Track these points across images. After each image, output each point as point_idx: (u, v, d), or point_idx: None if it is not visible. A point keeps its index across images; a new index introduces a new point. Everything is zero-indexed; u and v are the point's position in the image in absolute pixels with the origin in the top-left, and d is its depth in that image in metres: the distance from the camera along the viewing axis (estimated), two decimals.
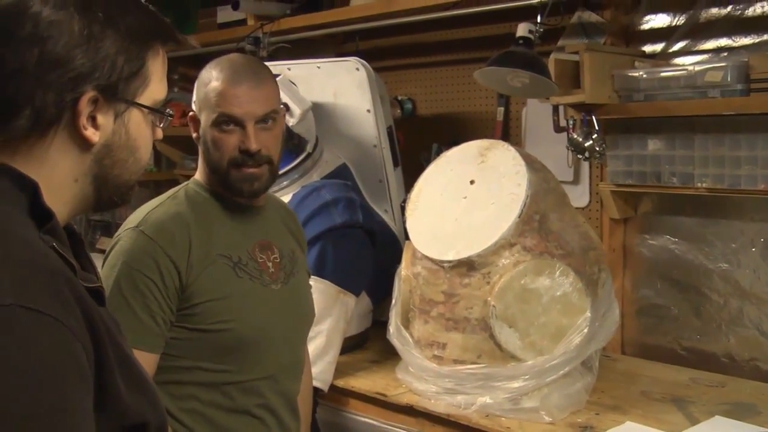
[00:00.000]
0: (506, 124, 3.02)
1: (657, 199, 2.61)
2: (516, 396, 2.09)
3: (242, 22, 3.43)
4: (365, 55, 2.88)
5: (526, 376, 2.08)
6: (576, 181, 2.78)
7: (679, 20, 2.51)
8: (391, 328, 2.33)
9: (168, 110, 1.17)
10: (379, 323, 2.69)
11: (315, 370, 2.28)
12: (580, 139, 2.48)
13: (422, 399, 2.22)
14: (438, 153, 2.70)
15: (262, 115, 1.80)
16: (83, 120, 1.04)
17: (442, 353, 2.20)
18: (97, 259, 1.23)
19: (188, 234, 1.75)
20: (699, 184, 2.36)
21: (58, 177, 1.05)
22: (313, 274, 2.33)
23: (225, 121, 1.78)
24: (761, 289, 2.39)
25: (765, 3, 2.33)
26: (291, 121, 2.55)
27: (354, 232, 2.58)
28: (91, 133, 1.05)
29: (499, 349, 2.11)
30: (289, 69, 2.85)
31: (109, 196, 1.12)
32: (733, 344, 2.46)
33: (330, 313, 2.44)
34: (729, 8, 2.40)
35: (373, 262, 2.64)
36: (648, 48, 2.59)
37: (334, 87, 2.80)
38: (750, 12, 2.36)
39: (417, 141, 3.18)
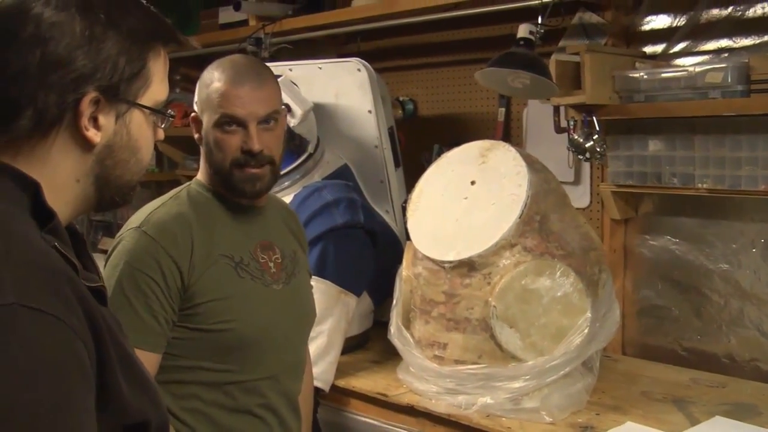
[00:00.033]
0: (507, 125, 3.02)
1: (658, 200, 2.62)
2: (517, 396, 2.09)
3: (244, 23, 3.43)
4: (367, 56, 2.89)
5: (527, 377, 2.08)
6: (577, 181, 2.78)
7: (680, 21, 2.51)
8: (392, 329, 2.34)
9: (169, 111, 1.17)
10: (380, 323, 2.69)
11: (316, 370, 2.28)
12: (581, 140, 2.48)
13: (423, 399, 2.23)
14: (439, 154, 2.71)
15: (264, 116, 1.81)
16: (85, 121, 1.04)
17: (442, 353, 2.20)
18: (99, 260, 1.23)
19: (190, 234, 1.75)
20: (699, 185, 2.36)
21: (60, 177, 1.06)
22: (315, 275, 2.33)
23: (227, 121, 1.79)
24: (762, 289, 2.39)
25: (765, 4, 2.33)
26: (292, 122, 2.56)
27: (355, 232, 2.58)
28: (92, 133, 1.05)
29: (499, 349, 2.11)
30: (290, 70, 2.85)
31: (110, 197, 1.13)
32: (733, 345, 2.47)
33: (331, 313, 2.44)
34: (729, 9, 2.40)
35: (375, 263, 2.64)
36: (649, 49, 2.59)
37: (336, 88, 2.81)
38: (750, 13, 2.37)
39: (418, 141, 3.18)
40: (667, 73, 2.33)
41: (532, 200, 2.15)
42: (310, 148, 2.69)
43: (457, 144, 2.42)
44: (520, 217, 2.12)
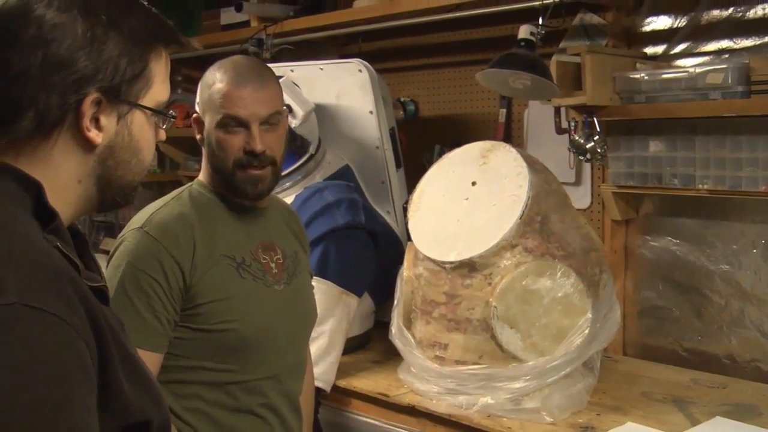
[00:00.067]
0: (508, 126, 3.03)
1: (658, 201, 2.62)
2: (517, 396, 2.09)
3: (245, 24, 3.44)
4: (368, 57, 2.89)
5: (528, 377, 2.09)
6: (578, 182, 2.78)
7: (681, 22, 2.52)
8: (393, 329, 2.34)
9: (171, 111, 1.18)
10: (381, 324, 2.69)
11: (317, 370, 2.29)
12: (582, 141, 2.49)
13: (424, 399, 2.23)
14: (440, 154, 2.71)
15: (267, 117, 1.81)
16: (86, 121, 1.05)
17: (443, 354, 2.20)
18: (100, 260, 1.24)
19: (192, 235, 1.76)
20: (700, 186, 2.36)
21: (62, 178, 1.07)
22: (316, 275, 2.33)
23: (230, 122, 1.79)
24: (762, 290, 2.39)
25: (766, 5, 2.33)
26: (294, 123, 2.56)
27: (356, 233, 2.58)
28: (94, 134, 1.06)
29: (500, 349, 2.12)
30: (292, 71, 2.86)
31: (112, 197, 1.14)
32: (734, 345, 2.47)
33: (332, 313, 2.45)
34: (730, 10, 2.40)
35: (376, 263, 2.64)
36: (649, 50, 2.59)
37: (337, 88, 2.81)
38: (751, 14, 2.37)
39: (419, 142, 3.19)
40: (667, 74, 2.34)
41: (533, 201, 2.15)
42: (312, 149, 2.70)
43: (458, 145, 2.43)
44: (520, 218, 2.13)
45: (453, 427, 2.15)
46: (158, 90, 1.12)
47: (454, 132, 3.13)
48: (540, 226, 2.16)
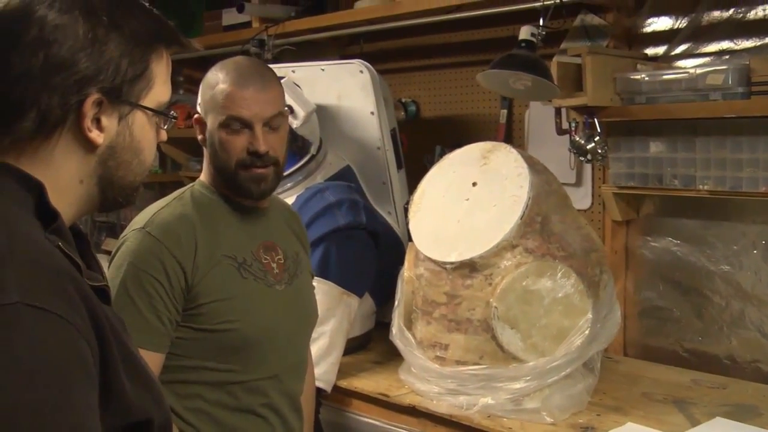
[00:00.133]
0: (509, 127, 3.03)
1: (659, 201, 2.62)
2: (518, 397, 2.10)
3: (247, 25, 3.44)
4: (369, 58, 2.90)
5: (528, 377, 2.09)
6: (578, 183, 2.78)
7: (681, 23, 2.52)
8: (394, 329, 2.34)
9: (172, 112, 1.18)
10: (382, 324, 2.70)
11: (318, 370, 2.29)
12: (582, 142, 2.49)
13: (424, 400, 2.23)
14: (441, 155, 2.72)
15: (270, 117, 1.82)
16: (88, 122, 1.05)
17: (444, 354, 2.21)
18: (102, 260, 1.24)
19: (194, 235, 1.76)
20: (701, 187, 2.37)
21: (64, 178, 1.07)
22: (317, 275, 2.34)
23: (233, 123, 1.80)
24: (762, 290, 2.40)
25: (766, 6, 2.34)
26: (295, 123, 2.57)
27: (357, 233, 2.59)
28: (95, 135, 1.06)
29: (501, 350, 2.12)
30: (293, 71, 2.86)
31: (114, 197, 1.14)
32: (734, 346, 2.47)
33: (333, 314, 2.45)
34: (731, 11, 2.41)
35: (377, 264, 2.65)
36: (650, 51, 2.60)
37: (338, 89, 2.82)
38: (752, 15, 2.37)
39: (420, 143, 3.19)
40: (668, 75, 2.34)
41: (534, 202, 2.15)
42: (313, 150, 2.70)
43: (459, 145, 2.43)
44: (521, 219, 2.13)
45: (453, 428, 2.15)
46: (159, 90, 1.13)
47: (455, 133, 3.14)
48: (540, 226, 2.16)
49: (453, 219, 2.25)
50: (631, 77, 2.40)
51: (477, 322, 2.14)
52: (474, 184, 2.27)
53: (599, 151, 2.48)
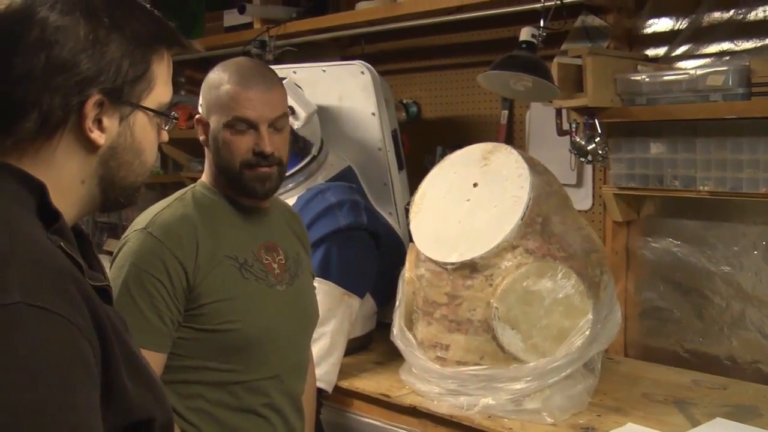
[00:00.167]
0: (510, 128, 3.03)
1: (659, 202, 2.63)
2: (518, 397, 2.10)
3: (248, 26, 3.45)
4: (370, 59, 2.90)
5: (529, 378, 2.09)
6: (579, 184, 2.79)
7: (682, 24, 2.52)
8: (395, 330, 2.35)
9: (173, 113, 1.19)
10: (383, 325, 2.70)
11: (319, 371, 2.29)
12: (583, 143, 2.49)
13: (425, 400, 2.24)
14: (442, 156, 2.71)
15: (275, 118, 1.83)
16: (89, 123, 1.06)
17: (445, 355, 2.21)
18: (104, 261, 1.25)
19: (195, 235, 1.77)
20: (701, 188, 2.37)
21: (65, 179, 1.08)
22: (318, 276, 2.34)
23: (238, 123, 1.81)
24: (763, 291, 2.40)
25: (767, 7, 2.34)
26: (296, 124, 2.57)
27: (358, 234, 2.59)
28: (96, 135, 1.07)
29: (501, 350, 2.12)
30: (294, 72, 2.87)
31: (115, 197, 1.15)
32: (735, 347, 2.47)
33: (334, 314, 2.46)
34: (731, 12, 2.41)
35: (378, 264, 2.65)
36: (651, 52, 2.60)
37: (340, 90, 2.82)
38: (752, 16, 2.38)
39: (421, 144, 3.20)
40: (668, 76, 2.34)
41: (534, 202, 2.16)
42: (314, 151, 2.71)
43: (460, 146, 2.43)
44: (521, 219, 2.13)
45: (454, 428, 2.15)
46: (160, 91, 1.13)
47: (456, 134, 3.14)
48: (541, 227, 2.16)
49: (454, 220, 2.25)
50: (632, 78, 2.41)
51: (478, 322, 2.14)
52: (475, 184, 2.27)
53: (600, 152, 2.48)
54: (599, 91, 2.40)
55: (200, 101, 1.89)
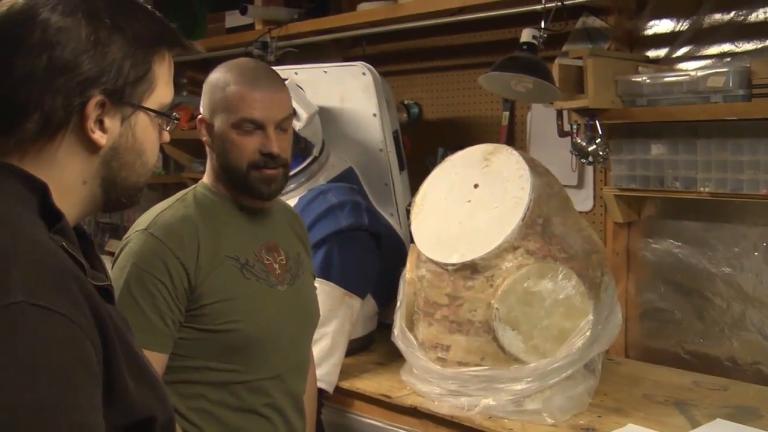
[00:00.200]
0: (511, 129, 3.04)
1: (660, 204, 2.63)
2: (519, 398, 2.10)
3: (250, 27, 3.46)
4: (372, 60, 2.90)
5: (529, 379, 2.09)
6: (580, 185, 2.79)
7: (683, 26, 2.53)
8: (396, 331, 2.35)
9: (174, 114, 1.19)
10: (384, 326, 2.70)
11: (320, 371, 2.30)
12: (584, 144, 2.50)
13: (426, 400, 2.24)
14: (443, 157, 2.72)
15: (281, 119, 1.84)
16: (91, 123, 1.06)
17: (445, 355, 2.21)
18: (106, 262, 1.25)
19: (197, 236, 1.77)
20: (702, 189, 2.37)
21: (67, 179, 1.08)
22: (319, 277, 2.34)
23: (246, 124, 1.81)
24: (764, 292, 2.40)
25: (767, 9, 2.34)
26: (298, 125, 2.57)
27: (360, 235, 2.59)
28: (98, 136, 1.07)
29: (502, 351, 2.12)
30: (296, 73, 2.87)
31: (117, 198, 1.15)
32: (735, 348, 2.47)
33: (335, 315, 2.46)
34: (732, 14, 2.41)
35: (379, 265, 2.65)
36: (651, 53, 2.60)
37: (341, 91, 2.82)
38: (753, 18, 2.38)
39: (422, 145, 3.20)
40: (669, 78, 2.35)
41: (535, 203, 2.16)
42: (315, 152, 2.71)
43: (461, 147, 2.44)
44: (522, 220, 2.14)
45: (455, 429, 2.15)
46: (162, 92, 1.14)
47: (457, 135, 3.14)
48: (542, 228, 2.16)
49: (455, 220, 2.25)
50: (633, 80, 2.41)
51: (478, 323, 2.14)
52: (476, 185, 2.28)
53: (600, 153, 2.49)
54: (600, 93, 2.40)
55: (203, 102, 1.88)
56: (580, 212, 2.51)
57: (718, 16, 2.45)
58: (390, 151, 2.82)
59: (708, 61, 2.45)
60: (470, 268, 2.15)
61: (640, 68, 2.48)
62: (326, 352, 2.39)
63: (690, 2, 2.50)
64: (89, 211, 1.14)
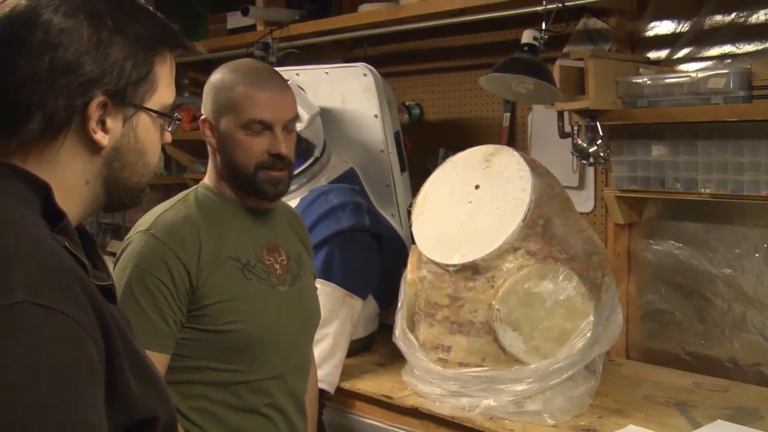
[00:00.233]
0: (512, 130, 3.04)
1: (661, 205, 2.63)
2: (520, 399, 2.10)
3: (252, 28, 3.46)
4: (373, 61, 2.90)
5: (530, 380, 2.10)
6: (581, 186, 2.79)
7: (684, 27, 2.53)
8: (397, 331, 2.35)
9: (176, 114, 1.19)
10: (385, 326, 2.71)
11: (321, 372, 2.30)
12: (585, 145, 2.50)
13: (427, 401, 2.24)
14: (444, 158, 2.72)
15: (289, 120, 1.85)
16: (93, 124, 1.06)
17: (446, 356, 2.22)
18: (107, 262, 1.25)
19: (198, 237, 1.77)
20: (702, 190, 2.37)
21: (70, 179, 1.08)
22: (321, 278, 2.35)
23: (254, 125, 1.81)
24: (764, 294, 2.40)
25: None
26: (299, 126, 2.57)
27: (361, 235, 2.60)
28: (100, 136, 1.08)
29: (503, 352, 2.13)
30: (297, 74, 2.88)
31: (119, 198, 1.15)
32: (736, 349, 2.48)
33: (337, 316, 2.46)
34: (733, 15, 2.41)
35: (380, 266, 2.66)
36: (652, 54, 2.60)
37: (342, 92, 2.83)
38: (753, 19, 2.38)
39: (424, 146, 3.20)
40: (670, 79, 2.35)
41: (536, 204, 2.16)
42: (317, 152, 2.71)
43: (462, 148, 2.44)
44: (523, 221, 2.14)
45: (456, 429, 2.16)
46: (163, 93, 1.14)
47: (458, 136, 3.15)
48: (543, 229, 2.17)
49: (456, 221, 2.26)
50: (634, 81, 2.41)
51: (479, 324, 2.15)
52: (477, 186, 2.28)
53: (601, 154, 2.49)
54: (601, 94, 2.41)
55: (206, 103, 1.88)
56: (581, 213, 2.52)
57: (718, 18, 2.45)
58: (391, 152, 2.82)
59: (709, 63, 2.46)
60: (471, 269, 2.15)
61: (641, 69, 2.48)
62: (327, 352, 2.40)
63: (691, 4, 2.50)
64: (91, 211, 1.14)
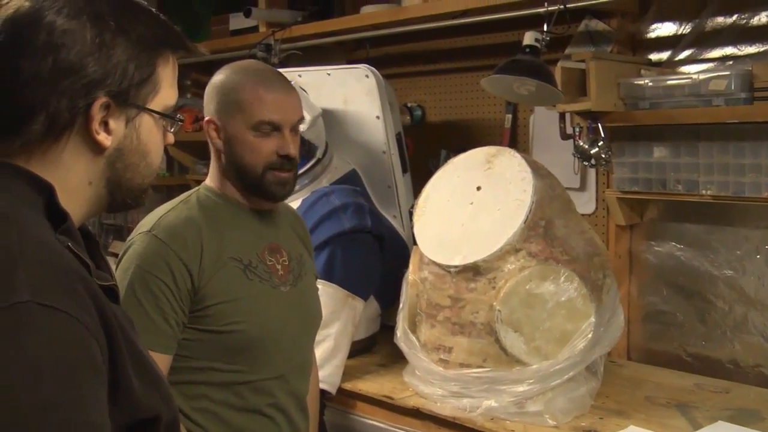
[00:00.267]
0: (514, 131, 3.05)
1: (662, 206, 2.63)
2: (521, 400, 2.11)
3: (254, 29, 3.46)
4: (375, 63, 2.91)
5: (531, 380, 2.10)
6: (582, 187, 2.79)
7: (685, 29, 2.53)
8: (399, 332, 2.36)
9: (178, 115, 1.20)
10: (386, 327, 2.71)
11: (323, 373, 2.30)
12: (586, 146, 2.50)
13: (428, 402, 2.24)
14: (446, 159, 2.72)
15: (296, 121, 1.86)
16: (95, 125, 1.07)
17: (448, 357, 2.22)
18: (110, 263, 1.26)
19: (200, 238, 1.78)
20: (704, 192, 2.38)
21: (73, 180, 1.09)
22: (322, 278, 2.35)
23: (264, 126, 1.82)
24: (766, 295, 2.40)
25: None
26: (302, 128, 2.57)
27: (363, 236, 2.60)
28: (103, 137, 1.08)
29: (504, 353, 2.13)
30: (299, 76, 2.88)
31: (122, 199, 1.16)
32: (737, 350, 2.48)
33: (338, 317, 2.47)
34: (734, 17, 2.42)
35: (382, 267, 2.66)
36: (654, 56, 2.61)
37: (344, 94, 2.83)
38: (755, 21, 2.38)
39: (425, 147, 3.20)
40: (671, 81, 2.35)
41: (537, 206, 2.17)
42: (319, 154, 2.71)
43: (464, 150, 2.44)
44: (524, 223, 2.14)
45: (457, 430, 2.16)
46: (166, 94, 1.15)
47: (460, 137, 3.15)
48: (544, 230, 2.17)
49: (457, 223, 2.26)
50: (635, 82, 2.42)
51: (480, 325, 2.15)
52: (478, 188, 2.28)
53: (603, 155, 2.49)
54: (602, 95, 2.41)
55: (209, 104, 1.87)
56: (583, 215, 2.52)
57: (720, 20, 2.45)
58: (393, 153, 2.82)
59: (710, 65, 2.46)
60: (472, 270, 2.16)
61: (642, 71, 2.49)
62: (329, 353, 2.40)
63: (692, 5, 2.51)
64: (94, 211, 1.15)
